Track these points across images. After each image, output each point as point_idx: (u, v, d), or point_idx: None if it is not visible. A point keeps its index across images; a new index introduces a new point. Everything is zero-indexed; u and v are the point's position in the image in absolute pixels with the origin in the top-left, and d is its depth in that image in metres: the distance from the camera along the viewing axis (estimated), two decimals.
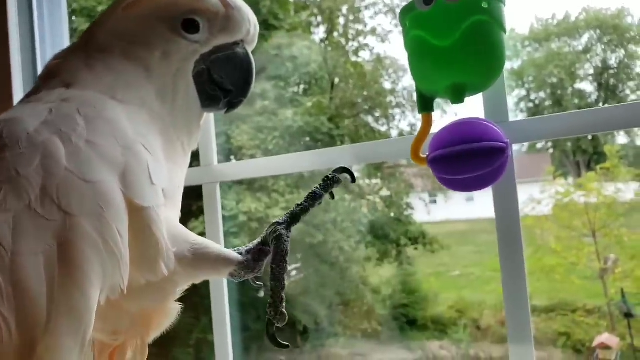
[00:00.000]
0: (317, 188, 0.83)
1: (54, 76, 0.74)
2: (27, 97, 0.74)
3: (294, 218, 0.80)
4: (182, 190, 0.79)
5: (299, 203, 0.82)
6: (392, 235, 7.42)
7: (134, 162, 0.63)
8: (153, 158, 0.67)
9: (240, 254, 0.77)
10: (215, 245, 0.75)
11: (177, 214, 0.76)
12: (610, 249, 6.49)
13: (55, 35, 1.46)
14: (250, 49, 0.83)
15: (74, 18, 6.57)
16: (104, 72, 0.73)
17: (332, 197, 0.86)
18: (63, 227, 0.55)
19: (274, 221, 0.79)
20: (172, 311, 0.75)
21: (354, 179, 0.86)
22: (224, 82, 0.79)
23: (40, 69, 1.41)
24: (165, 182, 0.68)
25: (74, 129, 0.62)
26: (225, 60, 0.79)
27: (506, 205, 0.88)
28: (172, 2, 0.76)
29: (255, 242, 0.80)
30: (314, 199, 0.81)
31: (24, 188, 0.56)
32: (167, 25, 0.76)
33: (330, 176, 0.85)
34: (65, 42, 1.48)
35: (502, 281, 0.88)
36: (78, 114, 0.64)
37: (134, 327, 0.71)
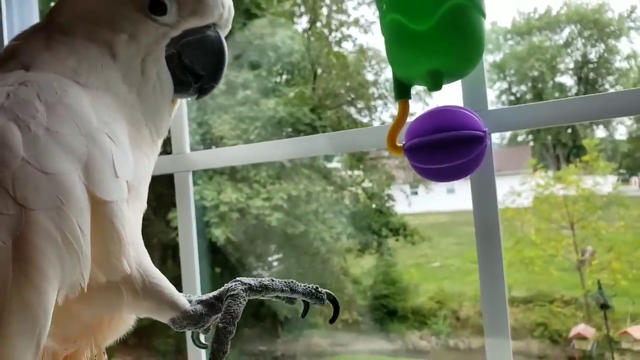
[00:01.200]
0: (299, 284, 0.74)
1: (13, 58, 0.69)
2: None
3: (259, 287, 0.71)
4: (148, 180, 0.75)
5: (273, 279, 0.73)
6: (373, 227, 7.45)
7: (97, 152, 0.59)
8: (118, 148, 0.63)
9: (190, 302, 0.70)
10: (169, 284, 0.68)
11: (141, 206, 0.72)
12: (587, 241, 6.62)
13: (24, 18, 1.40)
14: (223, 34, 0.79)
15: (51, 3, 6.41)
16: (66, 54, 0.68)
17: (304, 312, 0.77)
18: (18, 222, 0.52)
19: (237, 278, 0.72)
20: (128, 319, 0.71)
21: (333, 319, 0.76)
22: (195, 66, 0.76)
23: None
24: (130, 174, 0.64)
25: (32, 115, 0.58)
26: (195, 44, 0.75)
27: (484, 197, 0.87)
28: None
29: (211, 294, 0.73)
30: (290, 286, 0.73)
31: None
32: (134, 6, 0.71)
33: (319, 290, 0.75)
34: (35, 20, 1.42)
35: (480, 273, 0.87)
36: (38, 99, 0.59)
37: (86, 334, 0.67)
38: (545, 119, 0.84)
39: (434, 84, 0.76)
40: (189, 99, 0.83)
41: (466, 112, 0.77)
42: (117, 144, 0.63)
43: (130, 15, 0.71)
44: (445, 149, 0.74)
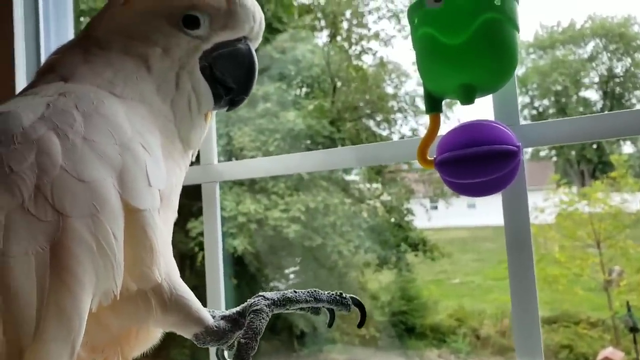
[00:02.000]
0: (323, 292, 0.74)
1: (52, 71, 0.72)
2: (24, 91, 0.72)
3: (282, 301, 0.71)
4: (179, 189, 0.76)
5: (296, 290, 0.74)
6: (392, 241, 7.37)
7: (131, 161, 0.61)
8: (151, 158, 0.64)
9: (214, 317, 0.71)
10: (195, 298, 0.69)
11: (172, 215, 0.73)
12: (615, 261, 6.44)
13: (60, 35, 1.44)
14: (254, 46, 0.80)
15: (82, 19, 6.58)
16: (103, 67, 0.71)
17: (331, 321, 0.76)
18: (56, 229, 0.53)
19: (260, 293, 0.73)
20: (155, 333, 0.71)
21: (361, 323, 0.75)
22: (226, 79, 0.77)
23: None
24: (162, 183, 0.65)
25: (71, 125, 0.60)
26: (227, 57, 0.76)
27: (516, 212, 0.85)
28: None
29: (234, 310, 0.73)
30: (314, 295, 0.73)
31: (17, 186, 0.54)
32: (167, 21, 0.73)
33: (344, 296, 0.75)
34: (70, 35, 1.45)
35: (511, 290, 0.85)
36: (76, 109, 0.61)
37: (114, 345, 0.68)
38: (577, 134, 0.82)
39: (467, 98, 0.76)
40: (220, 110, 0.84)
41: (499, 126, 0.76)
42: (151, 153, 0.64)
43: (164, 29, 0.73)
44: (477, 163, 0.73)
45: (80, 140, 0.59)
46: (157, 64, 0.72)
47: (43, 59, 1.39)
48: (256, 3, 0.78)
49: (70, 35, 1.46)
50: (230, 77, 0.77)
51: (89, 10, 6.55)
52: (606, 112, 0.82)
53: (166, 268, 0.65)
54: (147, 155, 0.63)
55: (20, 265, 0.51)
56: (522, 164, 0.79)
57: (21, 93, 0.71)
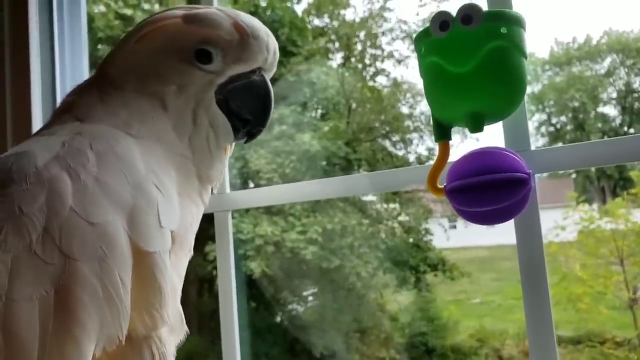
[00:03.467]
0: None
1: (68, 111, 0.73)
2: (40, 131, 0.73)
3: None
4: (196, 227, 0.75)
5: None
6: (410, 261, 7.29)
7: (142, 202, 0.60)
8: (164, 198, 0.63)
9: None
10: None
11: (187, 254, 0.72)
12: (639, 279, 6.26)
13: (75, 66, 1.48)
14: (269, 76, 0.79)
15: (99, 46, 6.77)
16: (118, 107, 0.71)
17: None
18: (62, 272, 0.53)
19: None
20: None
21: None
22: (242, 111, 0.77)
23: (59, 100, 1.41)
24: (175, 223, 0.64)
25: (83, 164, 0.59)
26: (242, 89, 0.76)
27: (528, 235, 0.84)
28: (183, 33, 0.73)
29: None
30: None
31: (25, 227, 0.54)
32: (179, 57, 0.73)
33: None
34: (85, 73, 1.49)
35: (525, 312, 0.84)
36: (90, 149, 0.61)
37: None
38: (591, 158, 0.81)
39: (475, 126, 0.76)
40: (238, 143, 0.84)
41: (509, 153, 0.76)
42: (164, 193, 0.64)
43: (177, 66, 0.73)
44: (487, 192, 0.73)
45: (92, 180, 0.59)
46: (173, 102, 0.71)
47: (59, 93, 1.43)
48: (269, 32, 0.78)
49: (84, 63, 1.50)
50: (246, 110, 0.77)
51: (106, 38, 6.73)
52: (614, 138, 0.81)
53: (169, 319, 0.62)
54: (160, 196, 0.63)
55: (25, 310, 0.50)
56: (533, 190, 0.78)
57: (37, 133, 0.72)
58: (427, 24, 0.77)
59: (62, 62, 1.44)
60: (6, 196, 0.56)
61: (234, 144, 0.82)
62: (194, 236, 0.74)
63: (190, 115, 0.72)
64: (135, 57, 0.74)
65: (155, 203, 0.62)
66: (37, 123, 1.40)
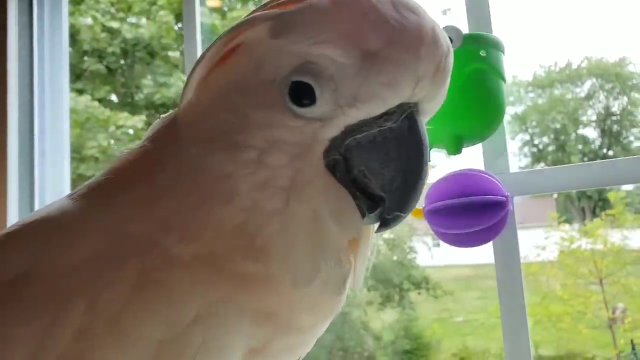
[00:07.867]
0: None
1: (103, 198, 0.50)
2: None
3: None
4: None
5: None
6: (394, 279, 7.28)
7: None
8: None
9: None
10: None
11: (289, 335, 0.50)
12: (618, 298, 6.34)
13: (53, 75, 1.46)
14: (425, 119, 0.49)
15: (85, 58, 6.72)
16: (165, 193, 0.47)
17: None
18: None
19: None
20: None
21: None
22: (370, 182, 0.46)
23: (37, 111, 1.39)
24: None
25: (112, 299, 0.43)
26: (369, 145, 0.45)
27: (507, 256, 0.85)
28: (268, 56, 0.44)
29: None
30: None
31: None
32: (260, 99, 0.44)
33: None
34: (65, 84, 1.47)
35: (503, 331, 0.84)
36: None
37: None
38: (569, 182, 0.82)
39: (454, 149, 0.76)
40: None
41: (487, 176, 0.77)
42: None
43: (258, 115, 0.44)
44: (465, 213, 0.73)
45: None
46: (248, 181, 0.43)
47: (36, 103, 1.41)
48: (438, 32, 0.45)
49: (64, 70, 1.46)
50: (376, 180, 0.46)
51: (92, 50, 6.68)
52: (599, 161, 0.82)
53: None
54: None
55: None
56: (511, 213, 0.79)
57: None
58: None
59: (42, 71, 1.43)
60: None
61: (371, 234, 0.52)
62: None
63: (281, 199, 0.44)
64: (202, 98, 0.47)
65: None
66: (13, 133, 1.38)
